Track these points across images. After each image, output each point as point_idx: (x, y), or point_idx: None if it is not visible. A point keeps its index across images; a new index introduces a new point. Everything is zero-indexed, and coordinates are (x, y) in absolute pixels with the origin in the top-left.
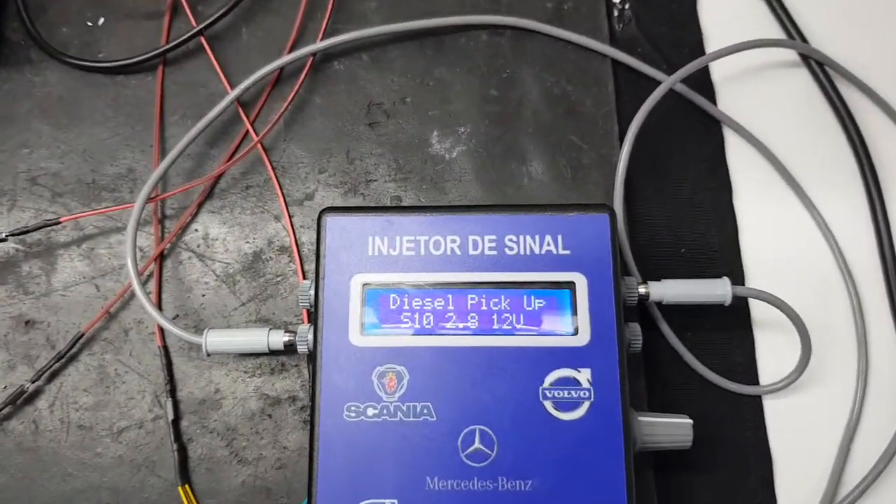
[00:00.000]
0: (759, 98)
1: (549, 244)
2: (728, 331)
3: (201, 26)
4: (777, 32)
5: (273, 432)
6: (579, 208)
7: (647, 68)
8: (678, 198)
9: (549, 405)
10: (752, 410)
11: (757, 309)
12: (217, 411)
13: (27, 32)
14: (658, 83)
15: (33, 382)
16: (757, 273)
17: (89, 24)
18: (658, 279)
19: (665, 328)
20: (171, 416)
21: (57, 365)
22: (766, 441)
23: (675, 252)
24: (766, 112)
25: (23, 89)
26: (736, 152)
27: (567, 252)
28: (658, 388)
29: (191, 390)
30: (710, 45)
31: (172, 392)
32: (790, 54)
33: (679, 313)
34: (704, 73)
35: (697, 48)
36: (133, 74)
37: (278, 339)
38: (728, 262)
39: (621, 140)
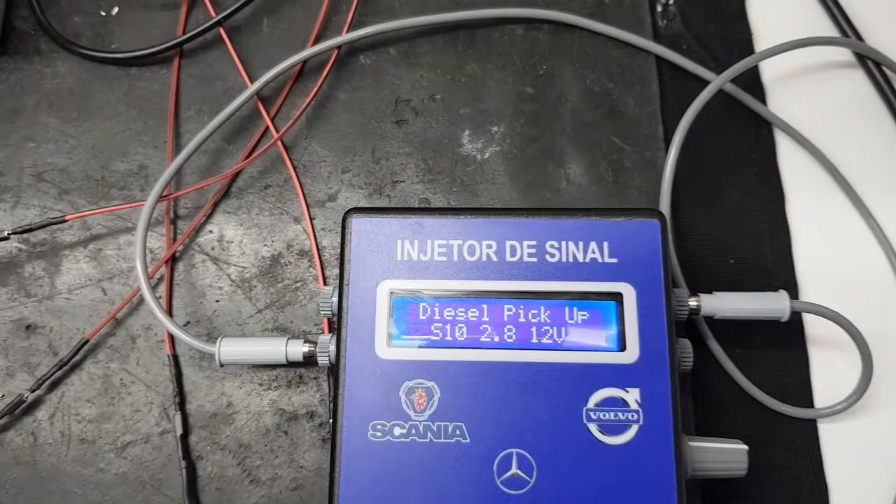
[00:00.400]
0: (812, 100)
1: (594, 251)
2: (780, 348)
3: (220, 16)
4: (831, 30)
5: (289, 451)
6: (628, 213)
7: (695, 66)
8: (727, 205)
9: (593, 428)
10: (807, 435)
11: (812, 325)
12: (229, 426)
13: (37, 21)
14: (704, 83)
15: (33, 391)
16: (811, 286)
17: (102, 13)
18: (707, 292)
19: (714, 345)
20: (179, 431)
21: (59, 373)
22: (822, 469)
23: (723, 263)
24: (820, 114)
25: (31, 81)
26: (788, 157)
27: (614, 260)
28: (704, 409)
29: (201, 403)
30: (760, 44)
31: (181, 405)
32: (845, 53)
33: (727, 328)
34: (754, 73)
35: (746, 47)
36: (147, 66)
37: (297, 349)
38: (780, 275)
39: (666, 142)
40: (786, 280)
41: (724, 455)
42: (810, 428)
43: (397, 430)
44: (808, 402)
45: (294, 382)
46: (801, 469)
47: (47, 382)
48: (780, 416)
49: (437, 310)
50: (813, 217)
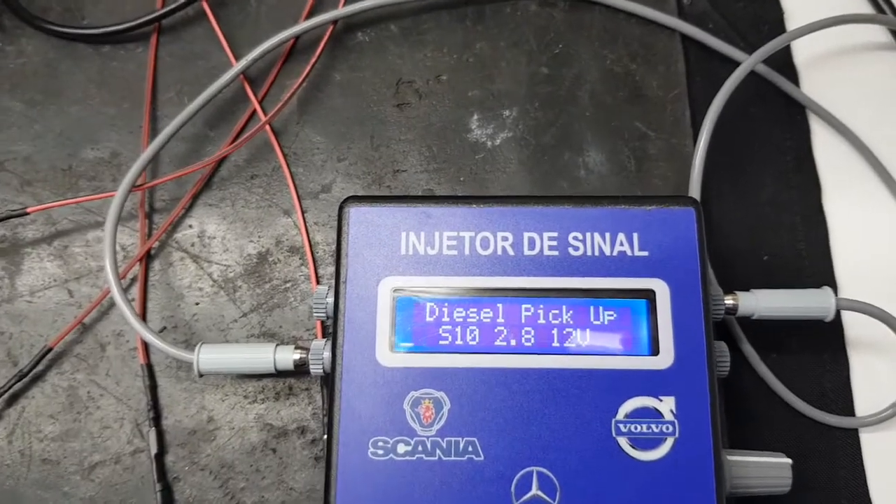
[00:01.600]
0: (848, 82)
1: (622, 244)
2: (819, 352)
3: None
4: (866, 7)
5: (277, 471)
6: (659, 201)
7: (724, 46)
8: (759, 196)
9: (623, 442)
10: (848, 446)
11: (852, 326)
12: (210, 444)
13: None
14: (733, 63)
15: None
16: (851, 284)
17: None
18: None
19: (748, 349)
20: (154, 450)
21: (18, 385)
22: (865, 482)
23: (757, 259)
24: (857, 98)
25: None
26: (824, 144)
27: (644, 254)
28: (736, 418)
29: (178, 418)
30: (791, 23)
31: (157, 420)
32: (882, 32)
33: (761, 331)
34: (785, 54)
35: (777, 26)
36: (122, 44)
37: (287, 356)
38: (818, 272)
39: (694, 127)
40: (823, 277)
41: (767, 470)
42: (851, 438)
43: (401, 447)
44: (849, 409)
45: (283, 394)
46: (841, 482)
47: (5, 396)
48: (818, 425)
49: (445, 310)
50: (852, 209)
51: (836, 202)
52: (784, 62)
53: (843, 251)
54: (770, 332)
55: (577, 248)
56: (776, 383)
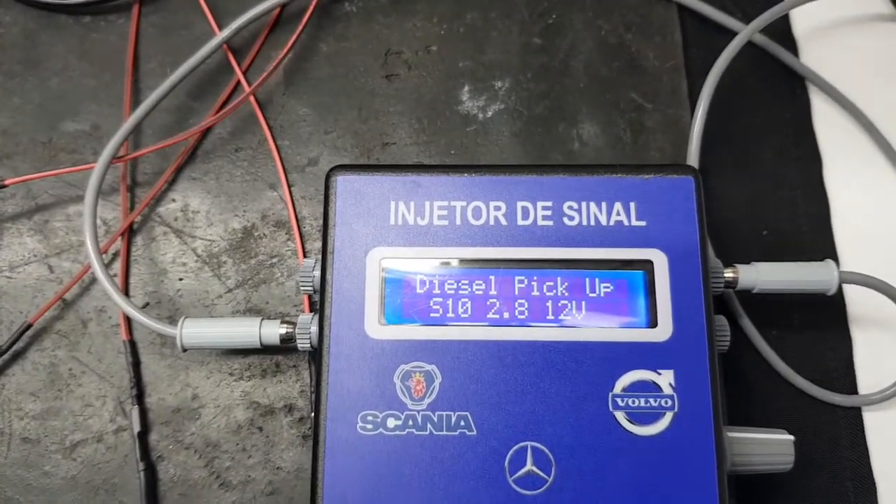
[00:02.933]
0: (848, 54)
1: (618, 213)
2: (820, 328)
3: None
4: None
5: (264, 449)
6: (657, 170)
7: (721, 15)
8: (758, 170)
9: (621, 416)
10: (850, 425)
11: (854, 301)
12: (194, 422)
13: None
14: (730, 34)
15: None
16: (852, 258)
17: None
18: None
19: (747, 324)
20: (137, 428)
21: None
22: (868, 462)
23: (756, 233)
24: (857, 70)
25: None
26: (824, 116)
27: (642, 223)
28: (736, 396)
29: (162, 396)
30: None
31: (139, 398)
32: (883, 2)
33: (761, 306)
34: (784, 24)
35: None
36: (102, 15)
37: (273, 331)
38: (819, 246)
39: (691, 99)
40: (824, 252)
41: (769, 447)
42: (854, 416)
43: (391, 422)
44: (852, 387)
45: (270, 371)
46: (844, 462)
47: None
48: (820, 403)
49: (436, 282)
50: (852, 182)
51: (836, 175)
52: (783, 33)
53: (844, 225)
54: (770, 308)
55: (572, 218)
56: (777, 361)
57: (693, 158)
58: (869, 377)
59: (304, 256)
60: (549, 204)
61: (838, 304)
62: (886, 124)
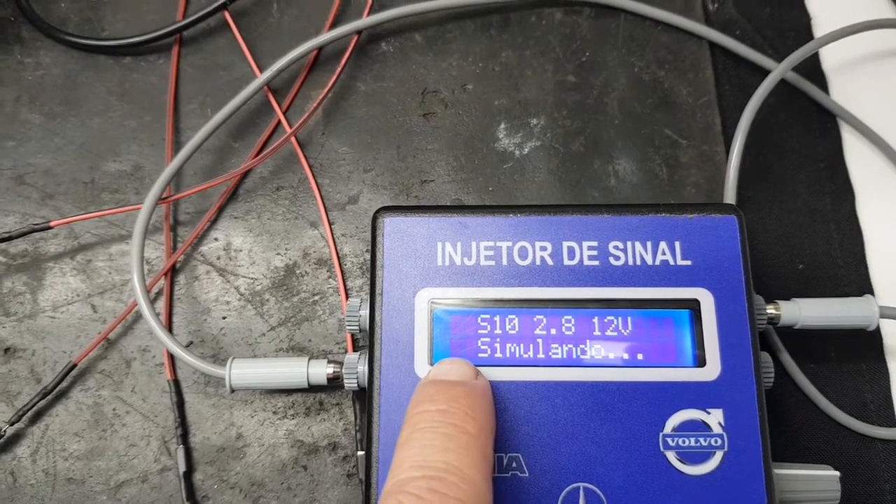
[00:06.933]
0: (877, 89)
1: (664, 253)
2: (858, 362)
3: None
4: (892, 12)
5: (309, 488)
6: (700, 209)
7: (752, 53)
8: (793, 204)
9: (671, 456)
10: (890, 458)
11: (891, 335)
12: (239, 462)
13: (17, 6)
14: (761, 71)
15: (12, 424)
16: (888, 293)
17: None
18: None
19: (787, 359)
20: (182, 468)
21: (42, 403)
22: None
23: (792, 268)
24: (887, 105)
25: (10, 73)
26: (856, 151)
27: (687, 262)
28: (776, 430)
29: (207, 435)
30: (819, 29)
31: (184, 437)
32: None
33: (800, 341)
34: (814, 61)
35: (804, 32)
36: (143, 56)
37: (320, 370)
38: (853, 280)
39: (725, 135)
40: (860, 285)
41: (815, 483)
42: (893, 449)
43: None
44: (890, 420)
45: (314, 410)
46: (885, 495)
47: (29, 413)
48: (859, 436)
49: (484, 323)
50: (886, 216)
51: (869, 209)
52: (812, 68)
53: (879, 258)
54: (808, 342)
55: (617, 258)
56: (816, 394)
57: (730, 195)
58: None
59: (346, 294)
60: (595, 244)
61: (875, 337)
62: None
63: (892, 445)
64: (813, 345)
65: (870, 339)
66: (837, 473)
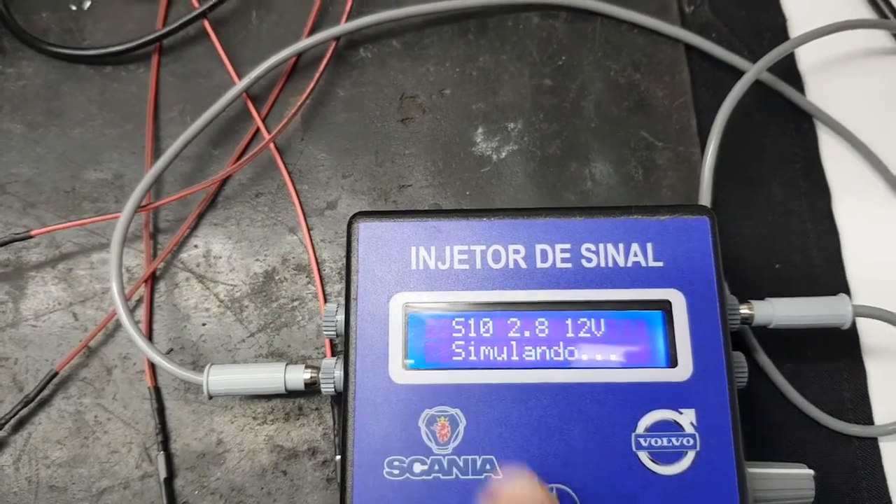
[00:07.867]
0: (853, 89)
1: (636, 254)
2: (835, 360)
3: (203, 8)
4: (868, 14)
5: (289, 493)
6: (672, 210)
7: (728, 55)
8: (768, 204)
9: (644, 456)
10: (867, 455)
11: (868, 333)
12: (220, 467)
13: None
14: (737, 72)
15: None
16: (864, 291)
17: (73, 7)
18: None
19: (763, 359)
20: (163, 474)
21: (24, 411)
22: (886, 493)
23: (768, 268)
24: (862, 105)
25: None
26: (832, 151)
27: (659, 264)
28: (752, 429)
29: (187, 441)
30: (794, 30)
31: (165, 444)
32: (885, 37)
33: (775, 340)
34: (790, 61)
35: (780, 33)
36: (123, 65)
37: (298, 376)
38: (830, 280)
39: (700, 136)
40: (836, 285)
41: (789, 482)
42: (871, 447)
43: (417, 467)
44: (868, 418)
45: (293, 415)
46: (862, 493)
47: (11, 422)
48: (837, 434)
49: (459, 326)
50: (862, 216)
51: (846, 208)
52: (788, 69)
53: (855, 258)
54: (784, 341)
55: (590, 260)
56: (793, 393)
57: (705, 196)
58: (884, 408)
59: (325, 299)
60: (568, 246)
61: (852, 335)
62: (891, 157)
63: (869, 443)
64: (790, 344)
65: (847, 338)
66: (811, 472)
